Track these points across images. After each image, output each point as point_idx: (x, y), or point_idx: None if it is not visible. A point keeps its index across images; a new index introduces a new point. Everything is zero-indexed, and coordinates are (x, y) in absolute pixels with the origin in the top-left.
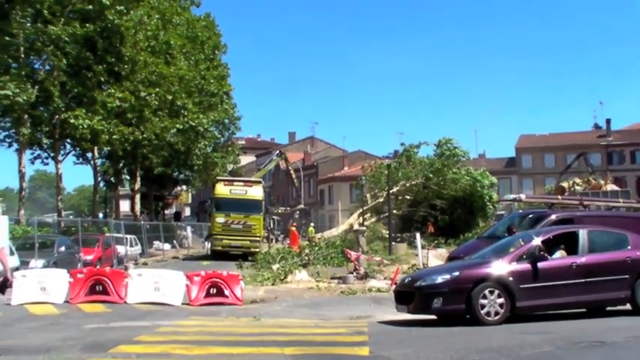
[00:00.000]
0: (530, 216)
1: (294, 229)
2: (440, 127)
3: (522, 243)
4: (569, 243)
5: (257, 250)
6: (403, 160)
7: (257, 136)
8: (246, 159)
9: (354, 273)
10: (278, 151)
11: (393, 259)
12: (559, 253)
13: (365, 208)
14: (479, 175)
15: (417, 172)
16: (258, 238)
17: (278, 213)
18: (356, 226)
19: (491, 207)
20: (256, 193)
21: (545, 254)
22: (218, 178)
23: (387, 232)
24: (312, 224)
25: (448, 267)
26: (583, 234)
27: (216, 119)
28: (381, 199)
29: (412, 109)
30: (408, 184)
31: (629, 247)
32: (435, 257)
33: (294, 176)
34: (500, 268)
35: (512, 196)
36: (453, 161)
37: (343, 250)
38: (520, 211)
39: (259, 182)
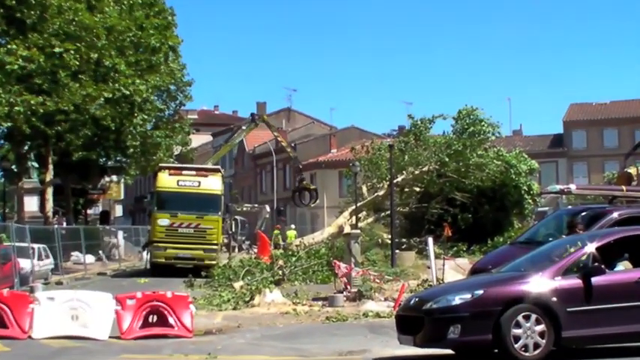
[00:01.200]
0: (584, 214)
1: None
2: (460, 96)
3: (571, 250)
4: (637, 251)
5: (214, 262)
6: (411, 140)
7: (214, 109)
8: (199, 139)
9: (344, 292)
10: (251, 115)
11: (397, 274)
12: (622, 265)
13: (359, 204)
14: (513, 159)
15: (429, 156)
16: (215, 247)
17: (242, 212)
18: (347, 229)
19: (530, 201)
20: (213, 184)
21: (602, 266)
22: (161, 165)
23: (389, 236)
24: (292, 226)
25: (469, 283)
26: None
27: (159, 85)
28: (381, 193)
29: (423, 74)
30: (417, 172)
31: None
32: (453, 270)
33: (288, 150)
34: (540, 284)
35: (558, 187)
36: (479, 140)
37: (330, 262)
38: (570, 207)
39: (217, 171)
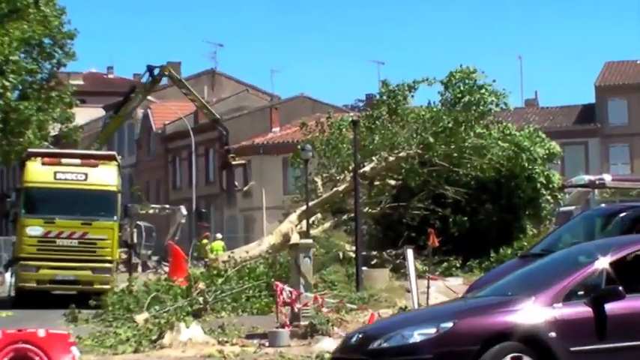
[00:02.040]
0: (623, 215)
1: (209, 240)
2: (452, 55)
3: (584, 263)
4: None
5: (107, 286)
6: (383, 114)
7: (107, 72)
8: (86, 113)
9: (290, 326)
10: (148, 69)
11: (365, 300)
12: None
13: (312, 203)
14: (526, 140)
15: (408, 136)
16: (108, 265)
17: (148, 215)
18: (295, 238)
19: (548, 198)
20: (106, 178)
21: (620, 288)
22: (31, 151)
23: (354, 248)
24: (218, 235)
25: (435, 312)
26: None
27: (26, 37)
28: (342, 187)
29: (400, 24)
30: (392, 159)
31: None
32: (442, 295)
33: (205, 112)
34: (534, 313)
35: (588, 178)
36: (477, 114)
37: (270, 284)
38: (604, 205)
39: (111, 158)
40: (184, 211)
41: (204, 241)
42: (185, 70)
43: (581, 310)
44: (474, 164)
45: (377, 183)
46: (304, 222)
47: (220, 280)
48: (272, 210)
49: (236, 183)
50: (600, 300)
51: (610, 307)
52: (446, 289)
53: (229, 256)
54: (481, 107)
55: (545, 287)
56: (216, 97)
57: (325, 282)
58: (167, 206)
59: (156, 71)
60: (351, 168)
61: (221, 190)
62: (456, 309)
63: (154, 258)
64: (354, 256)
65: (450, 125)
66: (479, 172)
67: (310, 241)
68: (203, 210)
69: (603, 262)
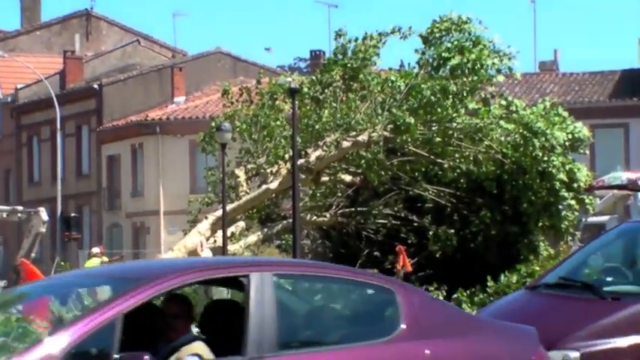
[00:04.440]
0: None
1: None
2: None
3: None
4: None
5: None
6: (336, 79)
7: None
8: None
9: None
10: None
11: None
12: None
13: (231, 206)
14: (539, 119)
15: (371, 112)
16: None
17: None
18: (205, 255)
19: (571, 202)
20: None
21: None
22: None
23: None
24: (95, 250)
25: None
26: None
27: None
28: (275, 184)
29: None
30: (347, 144)
31: None
32: None
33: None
34: None
35: (626, 176)
36: (471, 82)
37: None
38: None
39: None
40: (45, 216)
41: (94, 260)
42: (49, 10)
43: None
44: (465, 154)
45: (325, 179)
46: (220, 233)
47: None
48: (173, 215)
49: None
50: None
51: None
52: None
53: None
54: (476, 73)
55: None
56: (92, 51)
57: None
58: (20, 208)
59: None
60: (287, 157)
61: (100, 188)
62: None
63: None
64: None
65: (431, 98)
66: (472, 165)
67: None
68: (73, 214)
69: None
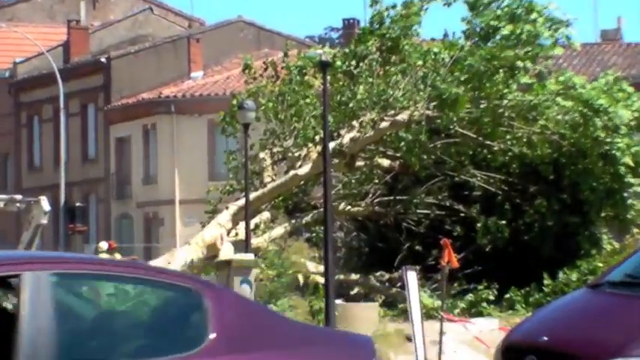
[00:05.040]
0: None
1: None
2: None
3: None
4: None
5: None
6: (372, 51)
7: None
8: None
9: None
10: None
11: None
12: None
13: (255, 195)
14: (601, 95)
15: (413, 87)
16: None
17: None
18: (227, 252)
19: (638, 189)
20: None
21: None
22: None
23: (322, 268)
24: (103, 245)
25: None
26: None
27: None
28: (304, 170)
29: None
30: (385, 124)
31: None
32: (466, 345)
33: None
34: None
35: None
36: (525, 54)
37: None
38: None
39: None
40: (46, 206)
41: (103, 257)
42: None
43: None
44: (518, 135)
45: (360, 163)
46: (242, 225)
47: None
48: (189, 205)
49: None
50: None
51: None
52: (471, 337)
53: None
54: (530, 44)
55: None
56: (99, 21)
57: None
58: (18, 197)
59: None
60: (318, 139)
61: (108, 174)
62: None
63: None
64: (322, 281)
65: (479, 71)
66: (525, 147)
67: (252, 256)
68: (78, 204)
69: None
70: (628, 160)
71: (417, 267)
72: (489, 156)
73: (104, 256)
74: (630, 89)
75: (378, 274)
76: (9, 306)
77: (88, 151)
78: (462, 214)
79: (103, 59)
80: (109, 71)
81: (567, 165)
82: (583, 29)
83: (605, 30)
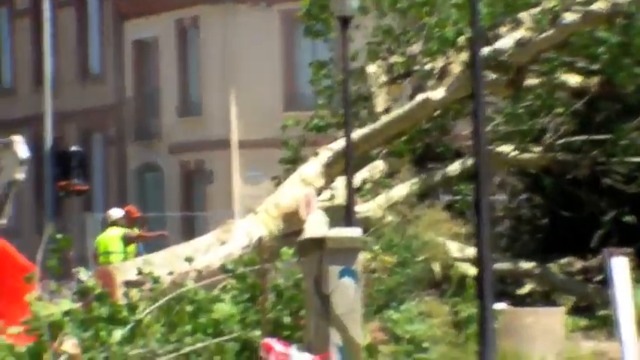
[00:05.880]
0: None
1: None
2: None
3: None
4: None
5: None
6: None
7: None
8: None
9: None
10: None
11: None
12: None
13: (361, 132)
14: None
15: None
16: None
17: None
18: (316, 226)
19: None
20: None
21: None
22: None
23: (473, 249)
24: (114, 214)
25: None
26: None
27: None
28: (441, 93)
29: None
30: (574, 17)
31: None
32: None
33: None
34: None
35: None
36: None
37: (251, 342)
38: None
39: None
40: (23, 152)
41: (115, 232)
42: None
43: None
44: None
45: (533, 81)
46: (341, 183)
47: (119, 332)
48: (253, 150)
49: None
50: None
51: None
52: None
53: (143, 271)
54: None
55: None
56: None
57: (397, 338)
58: None
59: None
60: (463, 41)
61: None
62: None
63: None
64: (472, 273)
65: None
66: None
67: (358, 232)
68: (74, 148)
69: None
70: None
71: (629, 250)
72: None
73: (117, 231)
74: None
75: (563, 261)
76: None
77: (90, 64)
78: None
79: None
80: None
81: None
82: None
83: None
